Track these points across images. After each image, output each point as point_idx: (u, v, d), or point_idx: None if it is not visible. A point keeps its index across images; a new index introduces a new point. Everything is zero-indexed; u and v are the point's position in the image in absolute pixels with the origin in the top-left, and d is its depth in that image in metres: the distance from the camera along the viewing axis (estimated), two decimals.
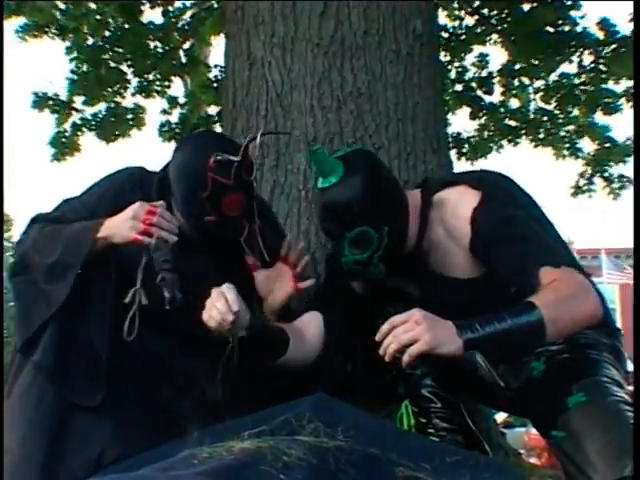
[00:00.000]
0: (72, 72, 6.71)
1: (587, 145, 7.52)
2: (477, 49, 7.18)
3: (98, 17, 6.51)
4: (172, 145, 7.17)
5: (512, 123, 7.45)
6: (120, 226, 2.05)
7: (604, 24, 6.47)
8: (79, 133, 7.02)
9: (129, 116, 7.04)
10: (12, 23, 6.63)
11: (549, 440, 2.03)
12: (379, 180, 2.17)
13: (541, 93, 7.20)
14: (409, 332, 1.81)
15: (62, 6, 6.58)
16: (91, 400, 1.98)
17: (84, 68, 6.71)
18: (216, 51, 7.78)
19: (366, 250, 2.13)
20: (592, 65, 6.61)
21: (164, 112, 7.36)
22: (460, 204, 2.12)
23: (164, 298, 1.99)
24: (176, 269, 2.02)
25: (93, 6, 6.48)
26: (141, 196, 2.13)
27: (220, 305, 1.97)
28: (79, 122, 7.01)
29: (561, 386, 2.00)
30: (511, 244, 2.01)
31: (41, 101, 6.94)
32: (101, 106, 6.98)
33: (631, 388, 2.22)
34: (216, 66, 6.98)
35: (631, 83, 6.88)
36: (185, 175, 2.22)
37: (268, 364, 2.20)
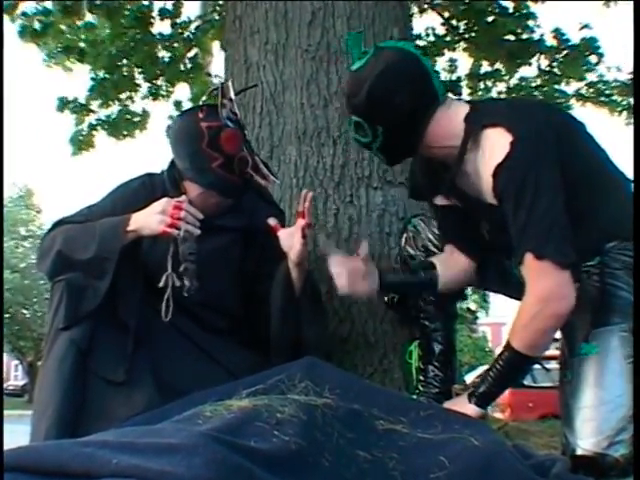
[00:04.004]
0: (92, 79, 6.71)
1: None
2: (447, 55, 7.17)
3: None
4: None
5: None
6: (149, 220, 2.03)
7: (557, 33, 6.48)
8: (94, 132, 7.06)
9: (136, 119, 7.05)
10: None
11: (562, 378, 1.97)
12: (392, 82, 1.99)
13: (503, 95, 7.18)
14: None
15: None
16: (115, 375, 1.96)
17: (101, 74, 6.70)
18: (217, 60, 7.74)
19: (364, 137, 2.05)
20: (548, 68, 6.60)
21: (170, 118, 7.32)
22: (492, 151, 1.91)
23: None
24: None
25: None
26: (151, 202, 2.10)
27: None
28: (94, 122, 7.05)
29: (583, 323, 1.92)
30: (516, 214, 1.86)
31: (63, 104, 6.95)
32: (114, 108, 7.00)
33: None
34: (216, 76, 6.96)
35: (580, 84, 6.90)
36: (183, 137, 2.20)
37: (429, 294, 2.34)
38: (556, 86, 6.89)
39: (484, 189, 1.97)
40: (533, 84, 7.02)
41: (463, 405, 1.97)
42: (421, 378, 2.40)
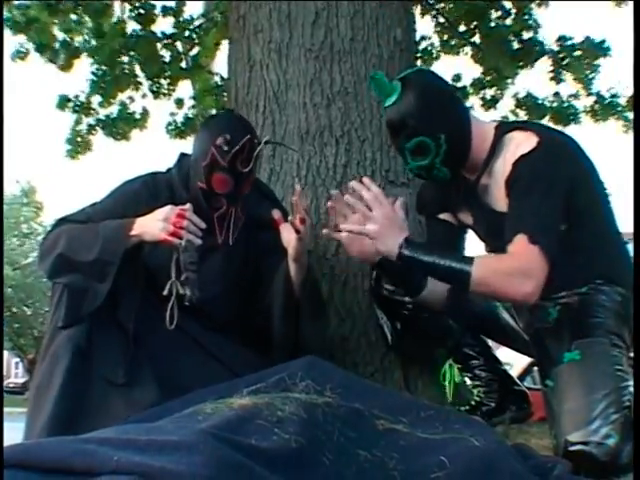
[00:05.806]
0: (92, 74, 6.66)
1: None
2: (450, 61, 7.08)
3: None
4: (177, 141, 7.32)
5: None
6: (152, 226, 2.04)
7: (561, 41, 6.39)
8: (93, 132, 6.98)
9: (137, 117, 6.99)
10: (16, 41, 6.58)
11: (543, 388, 1.99)
12: (433, 94, 2.11)
13: (510, 103, 7.04)
14: (368, 224, 1.98)
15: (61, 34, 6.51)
16: (115, 377, 1.96)
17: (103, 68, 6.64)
18: (218, 59, 7.71)
19: (426, 157, 2.09)
20: (552, 68, 6.48)
21: (172, 114, 7.35)
22: (517, 148, 2.02)
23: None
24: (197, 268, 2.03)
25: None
26: (154, 202, 2.13)
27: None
28: (93, 123, 6.98)
29: (564, 339, 1.96)
30: (523, 199, 1.95)
31: (64, 102, 6.89)
32: (113, 108, 6.94)
33: None
34: (217, 74, 6.96)
35: (589, 101, 6.73)
36: (198, 144, 2.28)
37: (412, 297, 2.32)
38: (564, 94, 6.73)
39: (498, 195, 2.05)
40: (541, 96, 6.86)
41: (393, 243, 1.98)
42: (478, 384, 2.46)
